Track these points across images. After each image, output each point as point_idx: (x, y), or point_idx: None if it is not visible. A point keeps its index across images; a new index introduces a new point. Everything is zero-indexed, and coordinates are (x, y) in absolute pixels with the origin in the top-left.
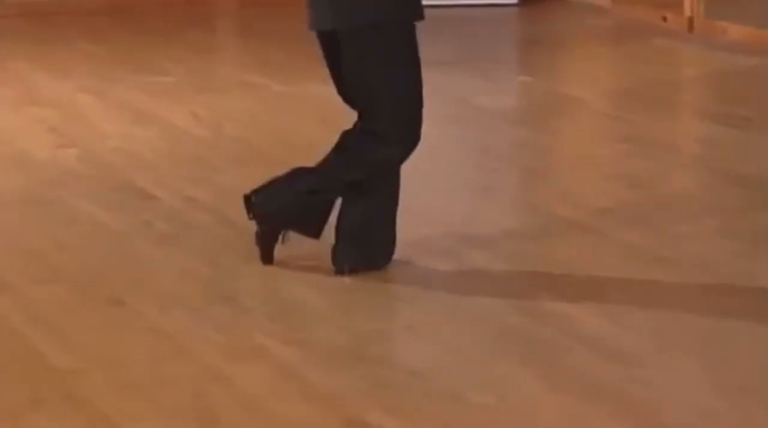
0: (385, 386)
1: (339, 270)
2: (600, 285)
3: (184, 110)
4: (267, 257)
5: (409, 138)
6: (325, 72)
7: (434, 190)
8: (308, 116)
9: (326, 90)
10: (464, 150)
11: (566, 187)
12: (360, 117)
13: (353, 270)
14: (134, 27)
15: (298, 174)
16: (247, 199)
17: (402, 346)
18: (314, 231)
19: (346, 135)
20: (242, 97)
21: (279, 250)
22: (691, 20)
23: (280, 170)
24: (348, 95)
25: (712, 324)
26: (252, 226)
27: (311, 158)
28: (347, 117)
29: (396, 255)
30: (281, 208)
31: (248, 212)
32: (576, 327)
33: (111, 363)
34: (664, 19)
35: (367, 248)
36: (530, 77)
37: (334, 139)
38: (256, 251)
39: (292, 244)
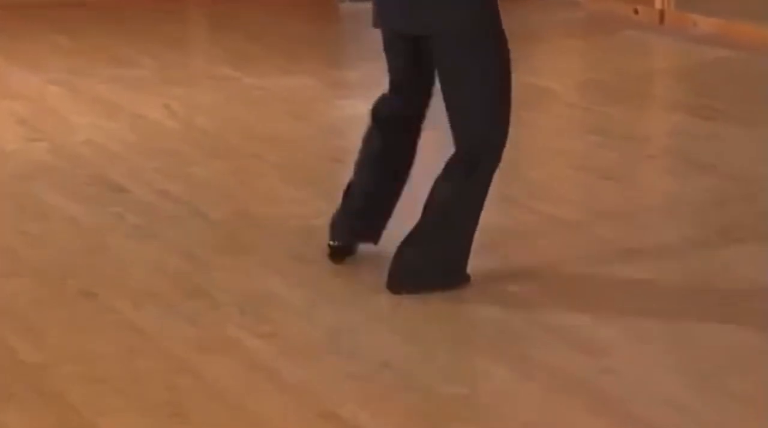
0: (356, 378)
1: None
2: (572, 277)
3: (155, 103)
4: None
5: (503, 140)
6: (296, 65)
7: (407, 182)
8: (279, 109)
9: (297, 82)
10: (436, 142)
11: (538, 178)
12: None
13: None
14: (106, 20)
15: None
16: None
17: (373, 339)
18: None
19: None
20: (214, 90)
21: (252, 243)
22: (661, 13)
23: (252, 163)
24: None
25: (683, 316)
26: (229, 221)
27: (282, 151)
28: (319, 109)
29: (367, 247)
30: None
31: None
32: (547, 319)
33: (82, 357)
34: (636, 11)
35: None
36: None
37: (304, 131)
38: (228, 244)
39: (270, 237)
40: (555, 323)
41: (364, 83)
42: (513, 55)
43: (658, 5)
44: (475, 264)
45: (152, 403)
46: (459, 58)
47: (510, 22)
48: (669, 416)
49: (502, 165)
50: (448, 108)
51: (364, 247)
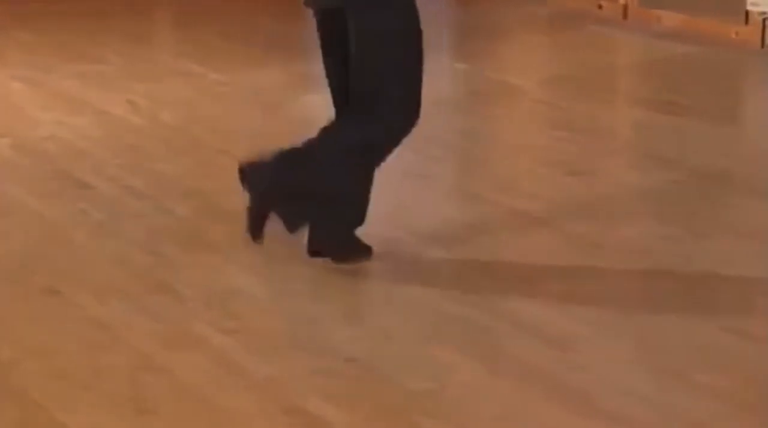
0: (323, 373)
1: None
2: (538, 272)
3: (120, 98)
4: (253, 231)
5: (411, 117)
6: (263, 60)
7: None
8: (246, 104)
9: (264, 77)
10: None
11: (503, 174)
12: (350, 104)
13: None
14: (69, 14)
15: (286, 158)
16: (241, 170)
17: (340, 334)
18: (293, 227)
19: (328, 126)
20: (179, 85)
21: (217, 239)
22: (625, 8)
23: (218, 158)
24: (352, 79)
25: (648, 309)
26: (194, 216)
27: (249, 146)
28: (286, 104)
29: None
30: (267, 192)
31: (242, 183)
32: (514, 314)
33: (46, 352)
34: (600, 6)
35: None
36: (467, 65)
37: (271, 126)
38: (193, 240)
39: (235, 233)
40: (522, 317)
41: None
42: (478, 51)
43: (622, 0)
44: (441, 258)
45: (118, 399)
46: (371, 22)
47: (475, 17)
48: (635, 409)
49: (467, 160)
50: (355, 82)
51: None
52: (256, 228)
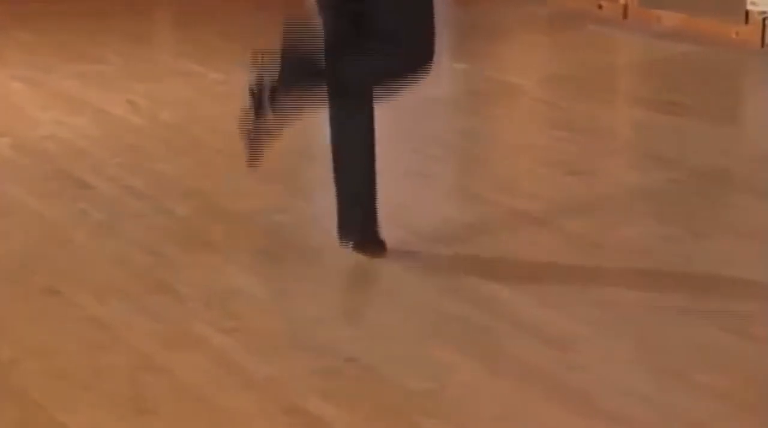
0: (323, 373)
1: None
2: (538, 271)
3: (120, 98)
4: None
5: (428, 55)
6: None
7: None
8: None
9: None
10: (401, 137)
11: (503, 173)
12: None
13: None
14: (69, 14)
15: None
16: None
17: (339, 334)
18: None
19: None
20: (179, 85)
21: (217, 239)
22: (625, 8)
23: (218, 158)
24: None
25: (648, 309)
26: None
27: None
28: None
29: (335, 245)
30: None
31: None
32: (514, 314)
33: (46, 352)
34: (600, 6)
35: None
36: (467, 64)
37: None
38: (193, 239)
39: (235, 232)
40: (522, 317)
41: None
42: (478, 50)
43: (621, 0)
44: (441, 258)
45: (118, 399)
46: None
47: (475, 17)
48: (635, 409)
49: (467, 160)
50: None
51: (333, 245)
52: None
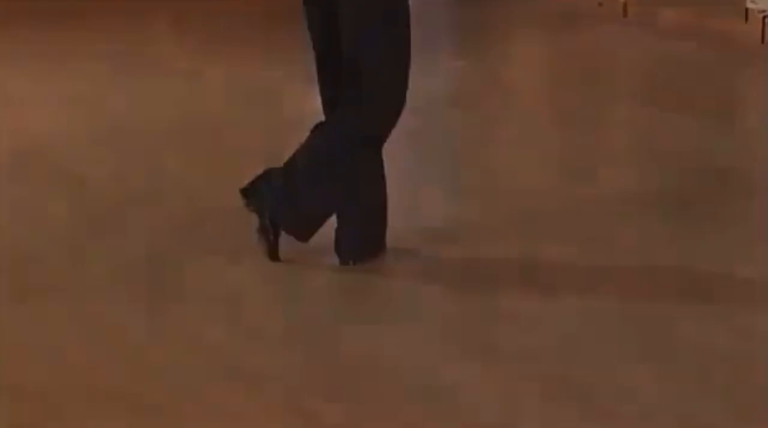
0: (322, 372)
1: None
2: (536, 267)
3: (119, 98)
4: (272, 255)
5: (398, 102)
6: (263, 57)
7: None
8: (246, 102)
9: (264, 75)
10: (402, 135)
11: (503, 170)
12: (345, 89)
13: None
14: (69, 14)
15: (276, 171)
16: (243, 191)
17: (339, 332)
18: (304, 235)
19: (319, 124)
20: (178, 82)
21: (216, 237)
22: (625, 5)
23: (218, 158)
24: (346, 58)
25: (649, 309)
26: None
27: (245, 141)
28: (287, 102)
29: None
30: (270, 204)
31: (247, 205)
32: (514, 313)
33: (43, 349)
34: (600, 4)
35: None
36: (466, 63)
37: (272, 124)
38: (192, 237)
39: (235, 231)
40: (522, 317)
41: None
42: (477, 49)
43: None
44: (441, 257)
45: (118, 398)
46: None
47: (474, 16)
48: (631, 405)
49: (466, 159)
50: (353, 70)
51: (332, 245)
52: (273, 251)
